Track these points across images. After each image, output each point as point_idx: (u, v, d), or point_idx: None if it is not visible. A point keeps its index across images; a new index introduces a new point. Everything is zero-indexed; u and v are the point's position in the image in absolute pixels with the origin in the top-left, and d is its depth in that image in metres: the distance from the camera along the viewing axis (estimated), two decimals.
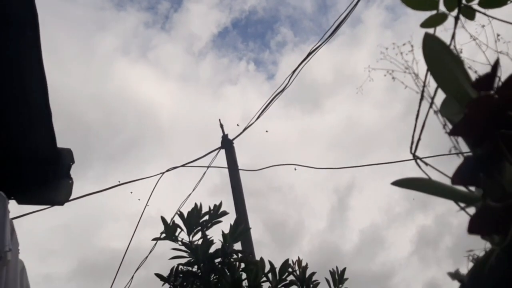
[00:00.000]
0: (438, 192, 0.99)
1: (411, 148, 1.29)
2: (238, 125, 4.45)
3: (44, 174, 3.45)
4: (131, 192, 4.68)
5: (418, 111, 1.25)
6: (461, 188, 1.02)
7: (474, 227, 0.74)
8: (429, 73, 1.05)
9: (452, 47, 1.05)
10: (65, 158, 3.53)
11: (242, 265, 2.84)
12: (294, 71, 4.19)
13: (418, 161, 1.28)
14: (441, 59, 1.00)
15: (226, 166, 4.44)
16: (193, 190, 4.32)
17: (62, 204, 3.56)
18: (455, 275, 0.90)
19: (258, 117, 4.46)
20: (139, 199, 4.59)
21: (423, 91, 1.13)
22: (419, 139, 1.25)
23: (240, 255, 2.98)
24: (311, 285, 2.67)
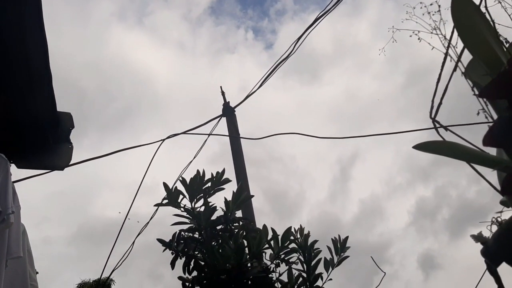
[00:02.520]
0: (462, 156, 0.97)
1: (430, 112, 1.27)
2: (119, 212, 4.38)
3: (44, 139, 3.42)
4: (119, 212, 4.60)
5: (440, 74, 1.22)
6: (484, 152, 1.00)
7: (508, 188, 0.73)
8: (456, 34, 1.02)
9: (482, 8, 1.01)
10: (65, 123, 3.50)
11: (244, 232, 2.86)
12: (300, 37, 4.12)
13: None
14: (471, 20, 0.97)
15: (227, 134, 4.44)
16: (194, 157, 4.31)
17: (62, 169, 3.54)
18: (478, 238, 0.90)
19: (261, 85, 4.42)
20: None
21: (447, 52, 1.10)
22: (440, 103, 1.23)
23: (241, 222, 2.99)
24: (313, 253, 2.69)
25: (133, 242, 3.99)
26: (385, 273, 2.10)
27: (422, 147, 1.00)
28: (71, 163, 3.61)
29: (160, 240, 2.76)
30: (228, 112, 4.54)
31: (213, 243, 2.77)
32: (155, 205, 3.06)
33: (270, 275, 2.67)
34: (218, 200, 2.97)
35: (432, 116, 1.17)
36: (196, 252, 2.80)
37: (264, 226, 2.68)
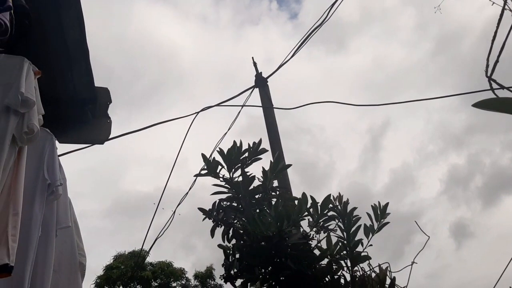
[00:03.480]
0: None
1: (486, 71, 1.24)
2: (154, 203, 4.35)
3: (83, 113, 3.50)
4: (154, 203, 4.59)
5: (496, 30, 1.18)
6: None
7: None
8: None
9: None
10: (102, 97, 3.57)
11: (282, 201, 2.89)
12: (334, 2, 4.04)
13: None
14: None
15: (260, 105, 4.42)
16: (229, 128, 4.32)
17: (102, 142, 3.63)
18: None
19: (294, 53, 4.37)
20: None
21: (505, 4, 1.07)
22: (497, 61, 1.19)
23: (278, 191, 3.03)
24: (352, 220, 2.70)
25: (174, 212, 4.11)
26: (429, 236, 2.10)
27: (482, 105, 0.98)
28: (110, 137, 3.70)
29: (201, 209, 2.82)
30: (261, 82, 4.51)
31: (252, 211, 2.82)
32: (194, 176, 3.13)
33: (310, 242, 2.71)
34: (254, 170, 3.00)
35: (488, 74, 1.14)
36: (235, 221, 2.85)
37: (304, 194, 2.70)
